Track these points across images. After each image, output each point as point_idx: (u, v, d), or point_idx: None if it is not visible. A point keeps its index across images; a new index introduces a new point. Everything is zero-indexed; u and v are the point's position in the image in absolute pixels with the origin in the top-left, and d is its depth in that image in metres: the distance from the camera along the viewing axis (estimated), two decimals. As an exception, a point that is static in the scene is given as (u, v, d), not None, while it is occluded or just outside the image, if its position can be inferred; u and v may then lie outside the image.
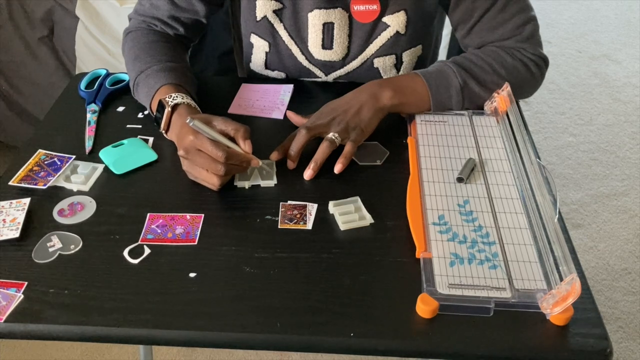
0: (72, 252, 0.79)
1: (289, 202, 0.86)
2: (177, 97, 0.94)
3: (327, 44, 1.07)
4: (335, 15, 1.04)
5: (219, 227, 0.83)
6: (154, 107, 0.97)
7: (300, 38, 1.08)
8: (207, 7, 1.08)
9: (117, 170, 0.91)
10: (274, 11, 1.06)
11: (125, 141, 0.97)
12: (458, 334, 0.69)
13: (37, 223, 0.83)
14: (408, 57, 1.10)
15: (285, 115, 1.03)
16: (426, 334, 0.69)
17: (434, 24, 1.12)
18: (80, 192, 0.88)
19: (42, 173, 0.90)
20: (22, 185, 0.88)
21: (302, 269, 0.76)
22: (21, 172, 0.90)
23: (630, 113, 2.51)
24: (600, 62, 2.84)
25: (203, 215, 0.84)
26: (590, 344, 0.67)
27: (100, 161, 0.93)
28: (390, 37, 1.06)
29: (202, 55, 1.48)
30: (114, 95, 1.09)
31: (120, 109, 1.06)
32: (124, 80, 1.11)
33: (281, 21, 1.07)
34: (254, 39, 1.10)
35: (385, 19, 1.04)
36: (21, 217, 0.82)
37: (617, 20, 3.20)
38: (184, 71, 1.03)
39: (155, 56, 1.03)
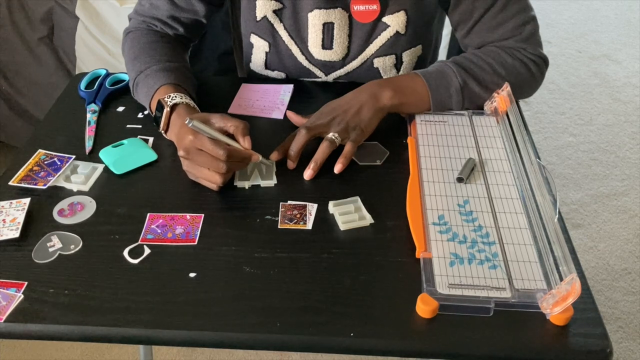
0: (72, 252, 0.79)
1: (289, 202, 0.86)
2: (176, 97, 0.94)
3: (327, 44, 1.07)
4: (335, 15, 1.04)
5: (219, 227, 0.83)
6: (154, 107, 0.97)
7: (300, 38, 1.08)
8: (206, 7, 1.08)
9: (117, 170, 0.91)
10: (274, 11, 1.06)
11: (125, 141, 0.97)
12: (458, 334, 0.69)
13: (37, 223, 0.83)
14: (408, 57, 1.10)
15: (285, 115, 1.03)
16: (426, 334, 0.69)
17: (434, 24, 1.12)
18: (80, 192, 0.88)
19: (42, 173, 0.90)
20: (22, 185, 0.88)
21: (302, 269, 0.76)
22: (21, 172, 0.90)
23: (630, 113, 2.51)
24: (600, 62, 2.84)
25: (203, 215, 0.84)
26: (590, 344, 0.67)
27: (100, 161, 0.93)
28: (390, 37, 1.06)
29: (202, 55, 1.48)
30: (114, 95, 1.09)
31: (120, 109, 1.06)
32: (124, 80, 1.11)
33: (281, 21, 1.07)
34: (254, 39, 1.10)
35: (385, 19, 1.04)
36: (21, 217, 0.82)
37: (617, 20, 3.20)
38: (183, 71, 1.03)
39: (154, 56, 1.03)
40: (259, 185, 0.89)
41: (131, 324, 0.70)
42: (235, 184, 0.89)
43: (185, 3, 1.07)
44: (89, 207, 0.86)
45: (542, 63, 1.05)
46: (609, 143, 2.34)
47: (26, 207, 0.84)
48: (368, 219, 0.83)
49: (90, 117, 1.03)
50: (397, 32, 1.05)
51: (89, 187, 0.89)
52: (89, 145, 0.97)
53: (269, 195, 0.88)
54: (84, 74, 1.13)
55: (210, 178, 0.86)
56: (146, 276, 0.75)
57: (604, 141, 2.35)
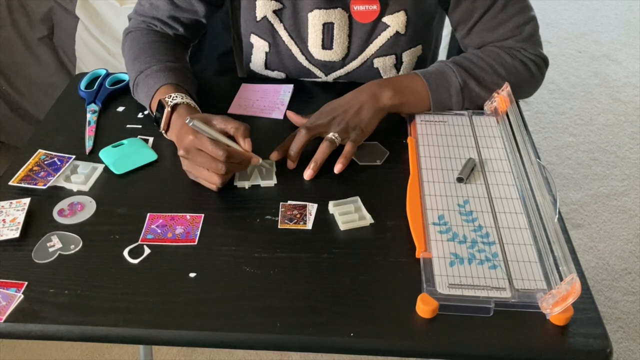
0: (72, 252, 0.79)
1: (289, 202, 0.86)
2: (176, 97, 0.94)
3: (327, 44, 1.07)
4: (335, 16, 1.04)
5: (219, 227, 0.83)
6: (154, 107, 0.97)
7: (300, 38, 1.08)
8: (206, 7, 1.08)
9: (117, 170, 0.91)
10: (274, 11, 1.06)
11: (125, 141, 0.97)
12: (458, 334, 0.69)
13: (37, 223, 0.83)
14: (408, 57, 1.10)
15: (285, 115, 1.03)
16: (426, 334, 0.69)
17: (433, 24, 1.12)
18: (80, 192, 0.88)
19: (42, 173, 0.90)
20: (22, 185, 0.88)
21: (302, 269, 0.76)
22: (21, 172, 0.90)
23: (630, 113, 2.51)
24: (600, 62, 2.84)
25: (203, 215, 0.84)
26: (590, 344, 0.67)
27: (100, 161, 0.93)
28: (390, 37, 1.06)
29: (202, 55, 1.48)
30: (114, 95, 1.09)
31: (120, 109, 1.06)
32: (124, 80, 1.11)
33: (281, 21, 1.07)
34: (254, 39, 1.10)
35: (385, 19, 1.04)
36: (21, 217, 0.82)
37: (617, 20, 3.20)
38: (183, 71, 1.03)
39: (154, 56, 1.03)
40: (259, 185, 0.89)
41: (131, 324, 0.70)
42: (235, 184, 0.89)
43: (185, 3, 1.07)
44: (89, 207, 0.86)
45: (542, 63, 1.05)
46: (609, 143, 2.34)
47: (26, 207, 0.84)
48: (368, 219, 0.83)
49: (90, 117, 1.03)
50: (397, 32, 1.05)
51: (89, 187, 0.89)
52: (89, 145, 0.97)
53: (269, 195, 0.88)
54: (84, 74, 1.13)
55: (209, 179, 0.86)
56: (146, 276, 0.75)
57: (604, 141, 2.35)
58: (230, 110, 1.06)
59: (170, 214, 0.84)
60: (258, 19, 1.07)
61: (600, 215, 2.02)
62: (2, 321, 0.70)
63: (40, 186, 0.88)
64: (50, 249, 0.79)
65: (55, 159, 0.93)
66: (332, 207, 0.85)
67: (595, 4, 3.35)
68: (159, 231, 0.81)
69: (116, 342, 0.72)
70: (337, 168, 0.90)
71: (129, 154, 0.94)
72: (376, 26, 1.05)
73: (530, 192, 0.84)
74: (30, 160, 0.93)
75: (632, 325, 1.67)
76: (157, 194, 0.88)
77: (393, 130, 1.00)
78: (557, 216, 0.77)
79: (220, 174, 0.85)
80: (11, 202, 0.85)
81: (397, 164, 0.93)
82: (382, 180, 0.90)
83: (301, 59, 1.10)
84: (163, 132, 0.95)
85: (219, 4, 1.11)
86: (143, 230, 0.81)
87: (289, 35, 1.08)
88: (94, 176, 0.91)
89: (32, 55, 1.84)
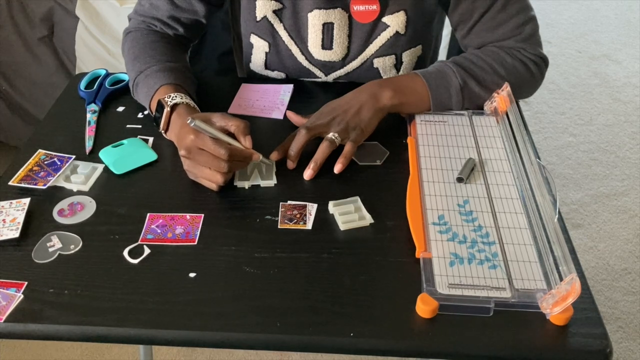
0: (72, 252, 0.79)
1: (289, 202, 0.86)
2: (176, 97, 0.94)
3: (326, 44, 1.07)
4: (335, 16, 1.04)
5: (219, 227, 0.83)
6: (154, 107, 0.97)
7: (300, 38, 1.08)
8: (206, 8, 1.08)
9: (117, 170, 0.91)
10: (274, 11, 1.06)
11: (125, 141, 0.97)
12: (458, 334, 0.69)
13: (37, 223, 0.83)
14: (408, 57, 1.10)
15: (285, 115, 1.03)
16: (426, 334, 0.69)
17: (433, 24, 1.12)
18: (80, 192, 0.88)
19: (42, 173, 0.90)
20: (22, 185, 0.88)
21: (302, 269, 0.76)
22: (21, 172, 0.90)
23: (630, 113, 2.51)
24: (600, 62, 2.84)
25: (203, 215, 0.84)
26: (590, 344, 0.67)
27: (100, 161, 0.93)
28: (390, 37, 1.06)
29: (202, 55, 1.48)
30: (114, 95, 1.09)
31: (120, 109, 1.06)
32: (124, 80, 1.11)
33: (281, 21, 1.07)
34: (254, 39, 1.10)
35: (385, 19, 1.04)
36: (21, 217, 0.82)
37: (617, 20, 3.20)
38: (183, 71, 1.03)
39: (154, 56, 1.03)
40: (259, 185, 0.89)
41: (131, 324, 0.70)
42: (235, 183, 0.89)
43: (185, 3, 1.07)
44: (89, 207, 0.86)
45: (542, 63, 1.06)
46: (609, 143, 2.34)
47: (26, 207, 0.84)
48: (368, 219, 0.83)
49: (90, 117, 1.03)
50: (397, 32, 1.05)
51: (89, 187, 0.89)
52: (89, 145, 0.97)
53: (269, 195, 0.88)
54: (83, 74, 1.13)
55: (211, 177, 0.86)
56: (146, 276, 0.75)
57: (604, 141, 2.35)
58: (230, 110, 1.06)
59: (170, 214, 0.84)
60: (258, 19, 1.07)
61: (600, 215, 2.02)
62: (2, 321, 0.70)
63: (40, 186, 0.88)
64: (50, 249, 0.79)
65: (55, 159, 0.93)
66: (332, 207, 0.85)
67: (595, 4, 3.35)
68: (159, 231, 0.81)
69: (116, 342, 0.72)
70: (337, 168, 0.90)
71: (129, 154, 0.94)
72: (376, 26, 1.05)
73: (530, 192, 0.84)
74: (30, 160, 0.93)
75: (632, 325, 1.67)
76: (157, 194, 0.88)
77: (393, 130, 1.00)
78: (557, 216, 0.77)
79: (222, 172, 0.85)
80: (11, 202, 0.85)
81: (397, 164, 0.93)
82: (382, 180, 0.90)
83: (301, 59, 1.10)
84: (163, 132, 0.95)
85: (219, 4, 1.11)
86: (143, 230, 0.81)
87: (289, 35, 1.08)
88: (94, 176, 0.91)
89: (32, 55, 1.84)
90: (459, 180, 0.88)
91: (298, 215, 0.84)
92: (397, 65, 1.10)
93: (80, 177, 0.89)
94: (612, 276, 1.81)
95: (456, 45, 1.18)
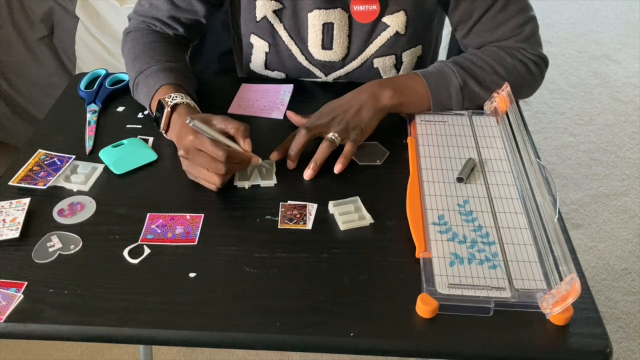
0: (72, 252, 0.79)
1: (289, 202, 0.86)
2: (176, 97, 0.94)
3: (326, 44, 1.07)
4: (335, 16, 1.04)
5: (219, 227, 0.83)
6: (154, 107, 0.97)
7: (300, 38, 1.08)
8: (206, 8, 1.08)
9: (117, 170, 0.91)
10: (274, 11, 1.06)
11: (125, 141, 0.97)
12: (458, 334, 0.69)
13: (37, 223, 0.83)
14: (408, 57, 1.10)
15: (285, 115, 1.03)
16: (426, 334, 0.69)
17: (433, 24, 1.12)
18: (80, 192, 0.88)
19: (42, 173, 0.90)
20: (22, 185, 0.88)
21: (302, 269, 0.76)
22: (21, 172, 0.90)
23: (630, 113, 2.51)
24: (600, 62, 2.84)
25: (203, 215, 0.84)
26: (590, 344, 0.67)
27: (100, 161, 0.93)
28: (390, 37, 1.06)
29: (202, 55, 1.48)
30: (114, 95, 1.09)
31: (120, 109, 1.06)
32: (124, 80, 1.11)
33: (281, 21, 1.07)
34: (254, 39, 1.10)
35: (385, 19, 1.04)
36: (21, 217, 0.82)
37: (617, 20, 3.20)
38: (183, 71, 1.03)
39: (154, 56, 1.03)
40: (258, 185, 0.89)
41: (131, 324, 0.70)
42: (235, 184, 0.89)
43: (185, 3, 1.07)
44: (89, 207, 0.86)
45: (542, 63, 1.06)
46: (609, 143, 2.34)
47: (26, 207, 0.84)
48: (368, 219, 0.83)
49: (90, 117, 1.03)
50: (397, 32, 1.05)
51: (89, 187, 0.89)
52: (89, 145, 0.97)
53: (268, 195, 0.88)
54: (83, 74, 1.13)
55: (208, 179, 0.86)
56: (146, 276, 0.75)
57: (604, 141, 2.35)
58: (230, 110, 1.06)
59: (170, 214, 0.84)
60: (258, 19, 1.07)
61: (600, 215, 2.02)
62: (2, 321, 0.70)
63: (40, 186, 0.88)
64: (50, 249, 0.79)
65: (55, 159, 0.93)
66: (332, 207, 0.85)
67: (595, 4, 3.35)
68: (158, 231, 0.81)
69: (116, 342, 0.72)
70: (337, 168, 0.90)
71: (129, 154, 0.94)
72: (376, 26, 1.05)
73: (530, 192, 0.84)
74: (30, 160, 0.93)
75: (632, 325, 1.67)
76: (157, 194, 0.88)
77: (393, 130, 1.00)
78: (557, 216, 0.77)
79: (220, 174, 0.85)
80: (11, 202, 0.85)
81: (397, 164, 0.93)
82: (382, 180, 0.90)
83: (301, 59, 1.10)
84: (163, 132, 0.95)
85: (218, 4, 1.11)
86: (143, 230, 0.81)
87: (289, 35, 1.08)
88: (94, 176, 0.91)
89: (32, 55, 1.84)
90: (459, 180, 0.88)
91: (298, 215, 0.84)
92: (397, 65, 1.10)
93: (80, 177, 0.89)
94: (612, 276, 1.81)
95: (456, 45, 1.18)
